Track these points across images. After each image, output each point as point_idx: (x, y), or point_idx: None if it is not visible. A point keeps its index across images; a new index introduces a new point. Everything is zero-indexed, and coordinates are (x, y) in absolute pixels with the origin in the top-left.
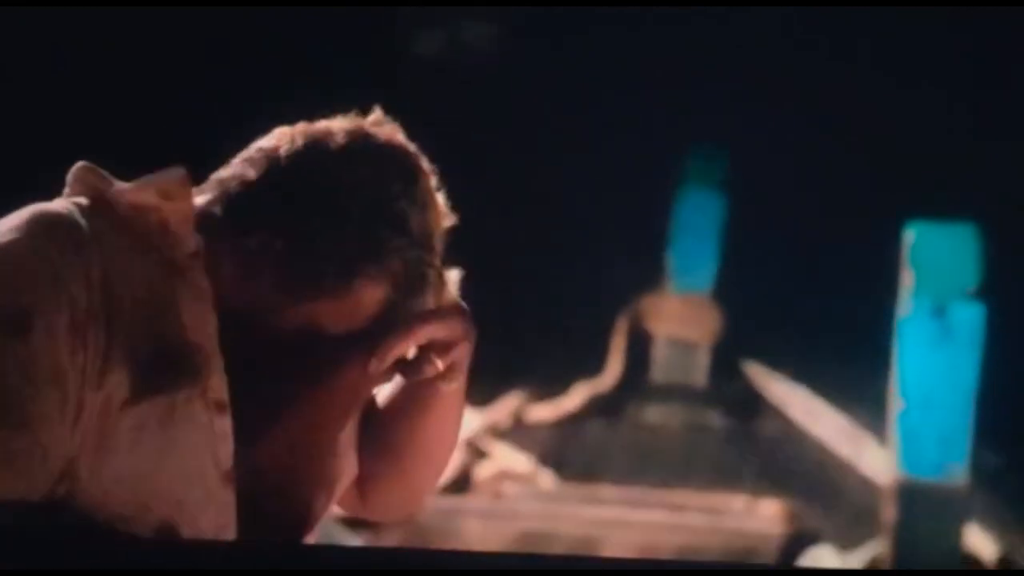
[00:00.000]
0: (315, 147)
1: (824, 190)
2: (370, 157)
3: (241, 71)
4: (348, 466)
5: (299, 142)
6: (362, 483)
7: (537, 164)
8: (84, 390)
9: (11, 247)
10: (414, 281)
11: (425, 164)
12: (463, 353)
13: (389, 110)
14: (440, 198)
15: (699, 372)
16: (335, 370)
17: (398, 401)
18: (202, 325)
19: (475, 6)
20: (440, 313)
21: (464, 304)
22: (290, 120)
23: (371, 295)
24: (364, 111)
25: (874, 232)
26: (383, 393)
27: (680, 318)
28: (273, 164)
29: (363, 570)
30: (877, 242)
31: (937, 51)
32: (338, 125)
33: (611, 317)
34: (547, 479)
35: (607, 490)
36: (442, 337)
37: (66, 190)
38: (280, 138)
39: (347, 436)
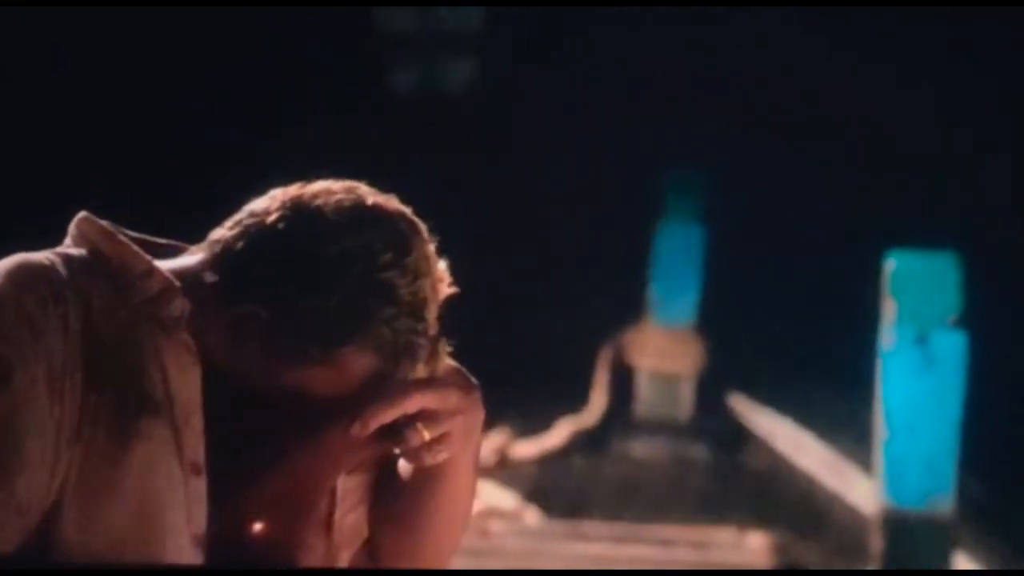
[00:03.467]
0: (305, 215)
1: (805, 221)
2: (361, 226)
3: (233, 96)
4: (350, 531)
5: (289, 209)
6: (371, 550)
7: (517, 199)
8: (61, 441)
9: None
10: (403, 351)
11: (422, 231)
12: (457, 425)
13: (369, 145)
14: (438, 266)
15: (683, 405)
16: (319, 434)
17: (406, 472)
18: (185, 381)
19: (454, 39)
20: (433, 383)
21: (468, 376)
22: (277, 148)
23: (358, 363)
24: (350, 144)
25: (855, 262)
26: (399, 463)
27: (663, 351)
28: (262, 232)
29: None
30: (858, 272)
31: (917, 81)
32: (331, 191)
33: (593, 352)
34: (533, 516)
35: (593, 526)
36: (433, 407)
37: (66, 240)
38: (271, 203)
39: (354, 498)
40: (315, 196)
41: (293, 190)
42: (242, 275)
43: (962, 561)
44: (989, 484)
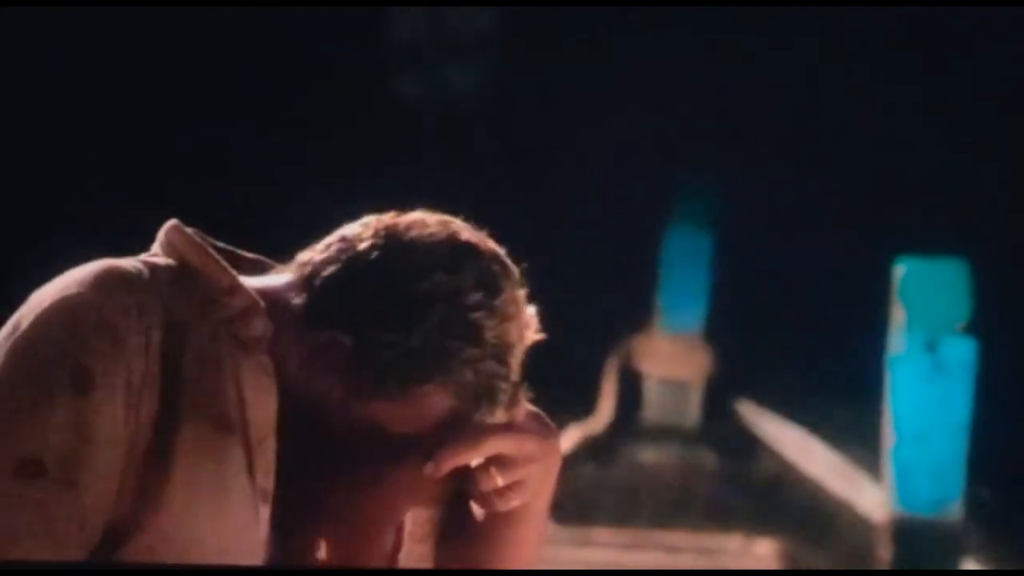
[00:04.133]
0: (398, 246)
1: (814, 227)
2: (451, 263)
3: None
4: (417, 562)
5: (382, 238)
6: None
7: (524, 205)
8: (134, 456)
9: (76, 301)
10: (484, 395)
11: (513, 274)
12: (532, 473)
13: (375, 150)
14: (527, 311)
15: (691, 412)
16: (390, 470)
17: (477, 515)
18: (262, 403)
19: (462, 48)
20: (512, 428)
21: (547, 421)
22: (282, 155)
23: (437, 403)
24: (357, 152)
25: (865, 268)
26: (471, 504)
27: (671, 358)
28: (352, 259)
29: None
30: (868, 278)
31: (926, 86)
32: (426, 223)
33: (602, 358)
34: None
35: (601, 533)
36: (510, 453)
37: (153, 246)
38: (364, 230)
39: (420, 534)
40: (409, 227)
41: (387, 219)
42: (328, 301)
43: (971, 568)
44: (998, 490)
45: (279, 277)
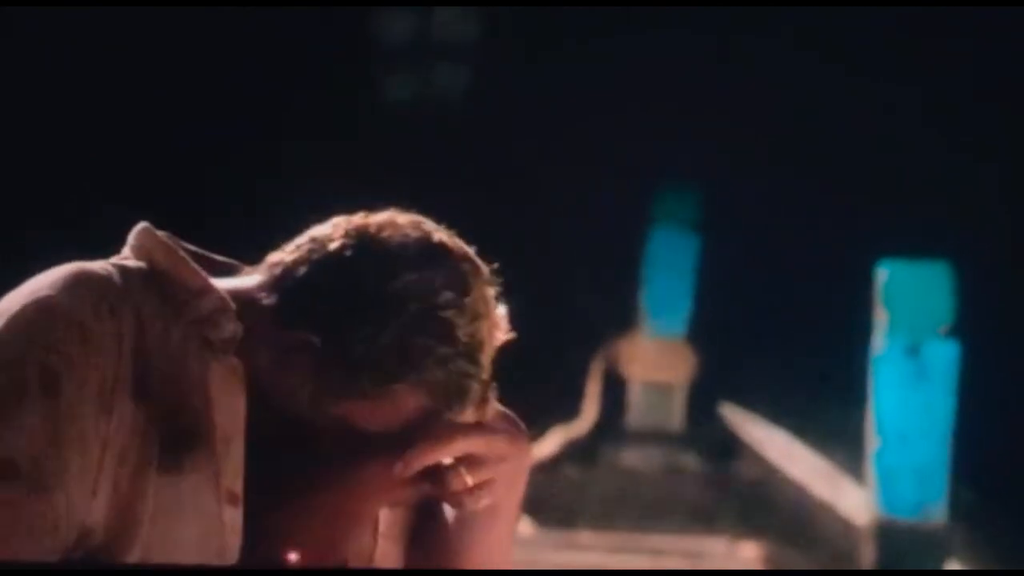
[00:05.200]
0: (369, 246)
1: (797, 230)
2: (424, 262)
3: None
4: (388, 563)
5: (353, 238)
6: None
7: (508, 208)
8: (107, 459)
9: (47, 304)
10: (455, 393)
11: (484, 273)
12: (502, 472)
13: (362, 155)
14: (497, 311)
15: (675, 415)
16: (360, 470)
17: (447, 515)
18: (229, 406)
19: (448, 50)
20: (481, 428)
21: (518, 421)
22: (271, 159)
23: (408, 401)
24: (346, 155)
25: (848, 271)
26: (442, 505)
27: (655, 361)
28: (323, 259)
29: None
30: (851, 281)
31: (908, 89)
32: (396, 224)
33: (586, 361)
34: (525, 525)
35: (585, 536)
36: (480, 452)
37: (124, 249)
38: (335, 230)
39: (391, 535)
40: (380, 228)
41: (358, 219)
42: (299, 301)
43: (954, 569)
44: (981, 493)
45: (249, 279)
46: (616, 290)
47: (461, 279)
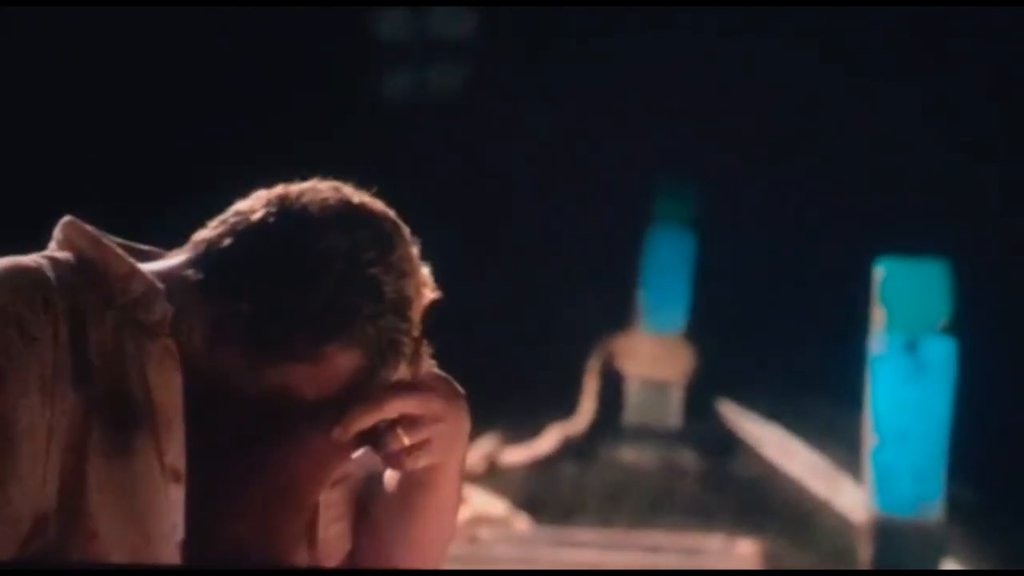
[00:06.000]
0: (290, 212)
1: (795, 228)
2: (345, 223)
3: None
4: (334, 543)
5: (274, 206)
6: (355, 562)
7: (506, 206)
8: (52, 447)
9: None
10: (387, 349)
11: (405, 233)
12: (439, 432)
13: (359, 153)
14: (422, 269)
15: (672, 412)
16: (301, 437)
17: (391, 483)
18: (166, 386)
19: (444, 48)
20: (415, 387)
21: (454, 384)
22: (267, 155)
23: (343, 362)
24: (342, 151)
25: (845, 268)
26: (386, 474)
27: (652, 358)
28: (247, 229)
29: None
30: (848, 278)
31: (908, 87)
32: (317, 189)
33: (583, 358)
34: (522, 523)
35: (583, 532)
36: (415, 412)
37: (51, 244)
38: (256, 201)
39: (338, 510)
40: (301, 194)
41: (279, 189)
42: (226, 272)
43: (951, 568)
44: (979, 491)
45: (175, 259)
46: (613, 287)
47: (385, 237)
